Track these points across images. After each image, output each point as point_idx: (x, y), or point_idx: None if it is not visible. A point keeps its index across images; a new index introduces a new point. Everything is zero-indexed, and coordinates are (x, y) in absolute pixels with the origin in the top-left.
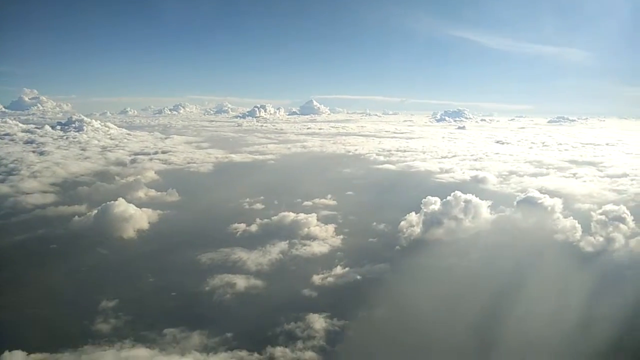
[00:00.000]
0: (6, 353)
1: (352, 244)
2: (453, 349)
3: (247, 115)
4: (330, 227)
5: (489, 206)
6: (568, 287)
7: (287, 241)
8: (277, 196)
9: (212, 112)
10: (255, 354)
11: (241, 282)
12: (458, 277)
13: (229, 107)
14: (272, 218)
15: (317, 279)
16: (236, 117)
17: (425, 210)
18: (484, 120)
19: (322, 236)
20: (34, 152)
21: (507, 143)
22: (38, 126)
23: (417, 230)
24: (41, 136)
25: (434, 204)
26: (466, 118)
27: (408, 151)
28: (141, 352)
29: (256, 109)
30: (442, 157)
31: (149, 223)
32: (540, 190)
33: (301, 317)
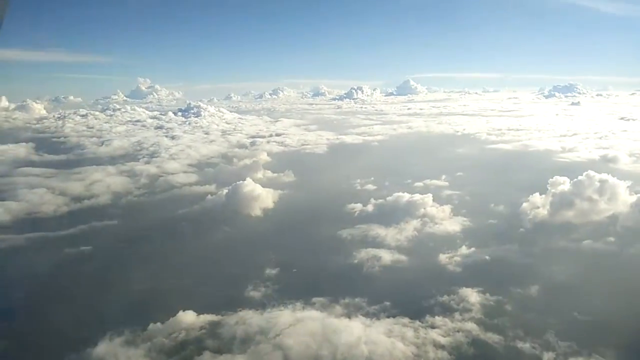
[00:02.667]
0: (180, 312)
1: (472, 224)
2: (613, 329)
3: (345, 97)
4: (447, 208)
5: (627, 187)
6: None
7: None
8: (388, 177)
9: (309, 95)
10: (417, 322)
11: (386, 256)
12: (595, 259)
13: (325, 90)
14: (387, 198)
15: (443, 258)
16: (333, 99)
17: (553, 190)
18: (600, 95)
19: (439, 217)
20: (166, 136)
21: (634, 119)
22: (161, 113)
23: (544, 211)
24: (167, 122)
25: (563, 184)
26: (579, 93)
27: (521, 130)
28: (313, 314)
29: (353, 90)
30: (561, 136)
31: (273, 202)
32: None
33: (453, 291)
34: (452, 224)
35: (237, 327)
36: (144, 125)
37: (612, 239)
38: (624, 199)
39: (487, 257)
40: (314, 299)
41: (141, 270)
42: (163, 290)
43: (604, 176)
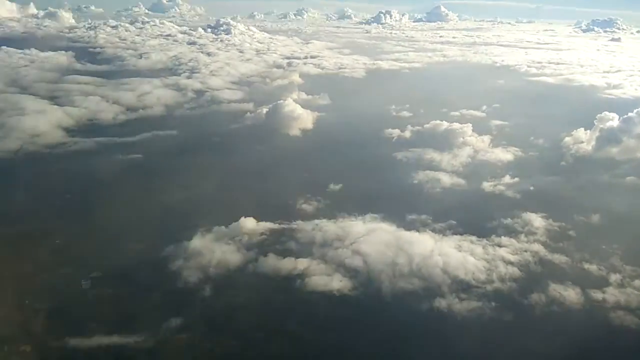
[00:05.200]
0: (242, 218)
1: (513, 156)
2: None
3: (372, 22)
4: (486, 139)
5: None
6: None
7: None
8: (423, 104)
9: (334, 17)
10: (484, 240)
11: (445, 178)
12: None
13: (350, 13)
14: (424, 126)
15: (487, 185)
16: (360, 23)
17: (601, 126)
18: None
19: (478, 146)
20: (201, 52)
21: None
22: (191, 28)
23: (588, 146)
24: (198, 38)
25: (612, 120)
26: (619, 29)
27: (562, 64)
28: (383, 226)
29: (381, 14)
30: (604, 72)
31: (312, 124)
32: None
33: (516, 215)
34: (502, 154)
35: (315, 232)
36: (175, 40)
37: None
38: None
39: (531, 188)
40: (379, 214)
41: (194, 179)
42: (216, 199)
43: None
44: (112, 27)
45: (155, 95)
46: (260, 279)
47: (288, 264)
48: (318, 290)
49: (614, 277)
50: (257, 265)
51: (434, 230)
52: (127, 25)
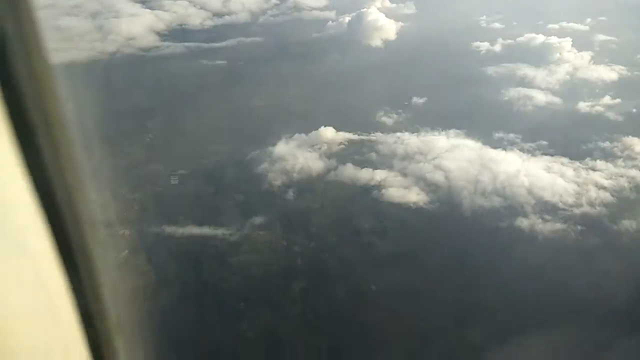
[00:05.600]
0: (322, 127)
1: (617, 75)
2: None
3: None
4: (586, 55)
5: None
6: None
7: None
8: (517, 15)
9: None
10: (577, 163)
11: (539, 96)
12: None
13: None
14: (517, 39)
15: (584, 106)
16: None
17: None
18: None
19: (578, 63)
20: None
21: None
22: None
23: None
24: None
25: None
26: None
27: None
28: (468, 142)
29: None
30: None
31: (395, 34)
32: None
33: (616, 138)
34: (605, 72)
35: (396, 145)
36: None
37: None
38: None
39: (634, 110)
40: (464, 130)
41: (274, 86)
42: (296, 107)
43: None
44: None
45: (240, 0)
46: (338, 187)
47: (366, 174)
48: (395, 202)
49: None
50: (337, 174)
51: (522, 150)
52: None
